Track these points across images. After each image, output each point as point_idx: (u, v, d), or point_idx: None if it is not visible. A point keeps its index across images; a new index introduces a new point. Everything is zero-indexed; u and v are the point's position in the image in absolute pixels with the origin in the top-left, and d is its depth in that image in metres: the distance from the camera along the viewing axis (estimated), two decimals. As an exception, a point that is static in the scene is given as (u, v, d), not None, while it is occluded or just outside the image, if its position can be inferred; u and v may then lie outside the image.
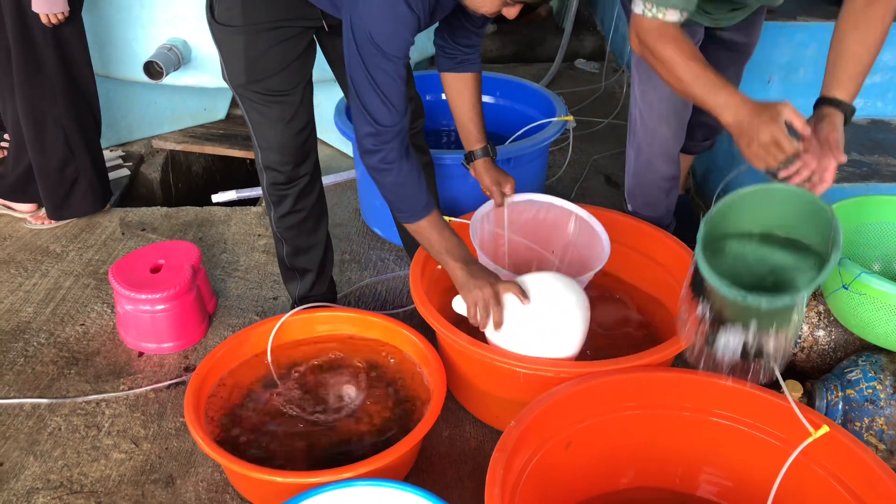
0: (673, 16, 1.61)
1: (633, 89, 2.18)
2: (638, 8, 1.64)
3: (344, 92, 2.06)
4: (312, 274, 2.13)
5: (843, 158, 1.55)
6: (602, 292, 2.18)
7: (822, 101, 1.64)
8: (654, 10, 1.61)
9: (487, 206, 2.05)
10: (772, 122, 1.48)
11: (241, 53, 1.77)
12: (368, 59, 1.54)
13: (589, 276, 1.90)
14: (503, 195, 2.04)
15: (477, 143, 2.02)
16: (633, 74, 2.17)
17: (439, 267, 2.05)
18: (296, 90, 1.84)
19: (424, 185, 1.73)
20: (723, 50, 2.16)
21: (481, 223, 2.04)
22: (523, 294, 1.71)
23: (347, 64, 1.59)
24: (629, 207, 2.37)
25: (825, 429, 1.46)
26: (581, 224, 2.08)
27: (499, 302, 1.71)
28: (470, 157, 2.05)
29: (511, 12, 1.57)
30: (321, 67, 1.96)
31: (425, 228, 1.75)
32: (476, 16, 1.63)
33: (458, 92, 1.97)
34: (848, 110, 1.64)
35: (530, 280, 1.78)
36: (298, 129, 1.89)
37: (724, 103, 1.55)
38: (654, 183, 2.26)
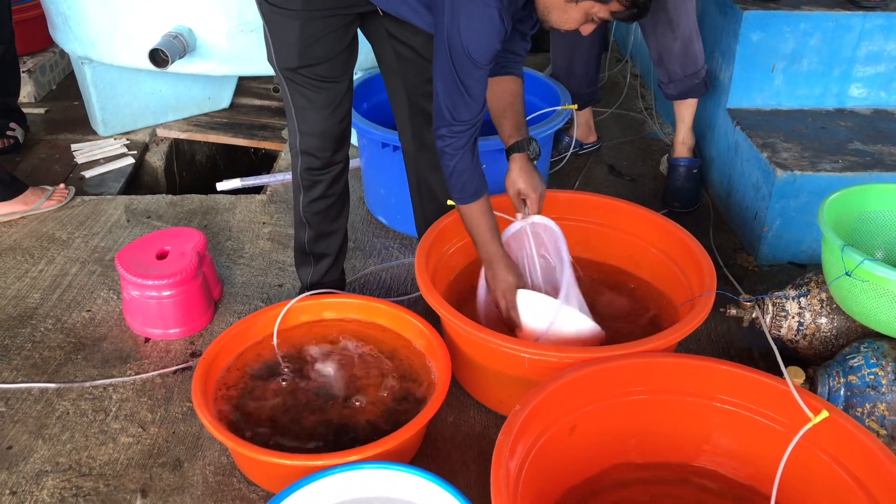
0: None
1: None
2: None
3: (383, 71, 2.03)
4: (329, 259, 2.16)
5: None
6: (604, 279, 2.19)
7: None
8: None
9: (514, 226, 1.99)
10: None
11: (295, 38, 1.78)
12: (461, 67, 1.64)
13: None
14: (523, 207, 1.96)
15: (510, 138, 1.93)
16: None
17: (448, 250, 2.07)
18: (344, 77, 1.88)
19: (480, 174, 1.82)
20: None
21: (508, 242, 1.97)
22: (516, 319, 1.86)
23: (437, 68, 1.68)
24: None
25: (825, 414, 1.47)
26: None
27: (515, 307, 1.86)
28: (508, 153, 1.95)
29: (588, 29, 1.64)
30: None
31: (470, 212, 1.86)
32: (528, 24, 1.75)
33: (499, 95, 1.92)
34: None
35: (532, 302, 1.85)
36: (342, 117, 1.93)
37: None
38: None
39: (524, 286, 1.88)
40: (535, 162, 1.92)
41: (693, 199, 2.75)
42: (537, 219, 1.96)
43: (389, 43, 1.95)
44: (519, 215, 1.98)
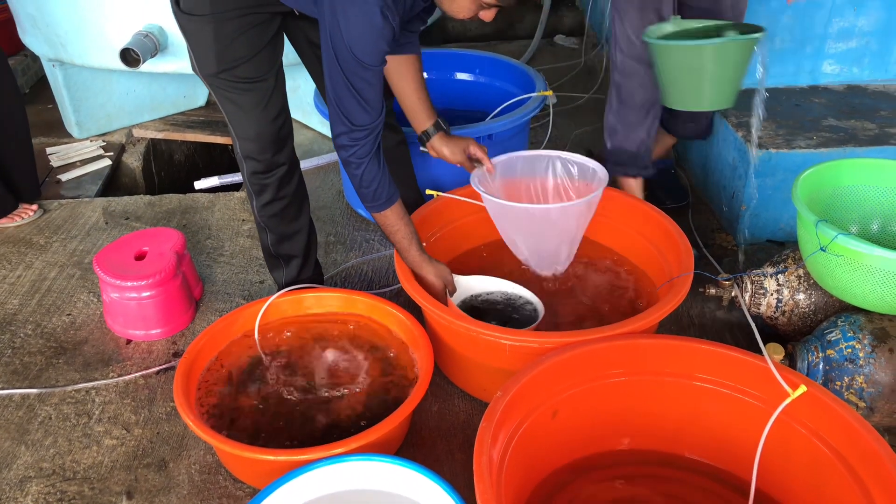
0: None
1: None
2: None
3: (313, 78, 2.06)
4: (298, 259, 2.13)
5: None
6: (585, 262, 2.20)
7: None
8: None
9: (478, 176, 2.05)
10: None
11: (210, 42, 1.74)
12: (348, 68, 1.60)
13: (597, 194, 1.97)
14: (485, 157, 2.04)
15: (427, 121, 2.03)
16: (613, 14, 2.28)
17: (424, 244, 2.07)
18: (268, 76, 1.83)
19: (388, 179, 1.81)
20: (694, 13, 2.20)
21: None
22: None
23: (327, 71, 1.64)
24: (608, 145, 2.42)
25: (803, 388, 1.48)
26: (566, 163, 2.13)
27: (451, 309, 1.91)
28: (424, 139, 2.05)
29: (488, 15, 1.61)
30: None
31: (385, 219, 1.86)
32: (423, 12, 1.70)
33: (400, 74, 1.96)
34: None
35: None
36: (274, 116, 1.87)
37: None
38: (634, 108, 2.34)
39: (452, 286, 1.99)
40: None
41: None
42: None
43: (311, 50, 1.94)
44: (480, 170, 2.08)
